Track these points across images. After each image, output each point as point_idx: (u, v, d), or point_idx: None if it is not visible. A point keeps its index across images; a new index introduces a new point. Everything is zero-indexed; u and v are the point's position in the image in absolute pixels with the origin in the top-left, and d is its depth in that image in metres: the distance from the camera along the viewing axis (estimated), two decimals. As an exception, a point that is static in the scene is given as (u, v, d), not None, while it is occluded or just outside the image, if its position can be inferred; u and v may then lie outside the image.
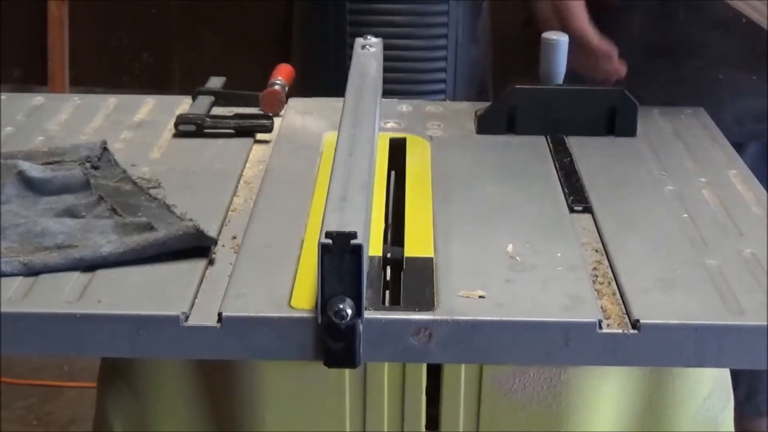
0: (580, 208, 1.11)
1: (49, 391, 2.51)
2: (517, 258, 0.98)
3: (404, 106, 1.38)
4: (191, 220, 1.01)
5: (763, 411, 1.56)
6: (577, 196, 1.13)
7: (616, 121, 1.29)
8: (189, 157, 1.21)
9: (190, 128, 1.27)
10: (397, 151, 1.23)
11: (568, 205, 1.11)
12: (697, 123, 1.35)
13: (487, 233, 1.03)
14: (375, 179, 1.09)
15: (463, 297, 0.91)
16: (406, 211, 1.08)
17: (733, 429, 1.09)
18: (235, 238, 1.02)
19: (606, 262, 1.00)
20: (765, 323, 0.89)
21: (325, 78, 2.76)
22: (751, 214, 1.10)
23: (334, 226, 0.85)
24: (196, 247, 0.97)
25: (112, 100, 1.38)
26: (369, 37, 1.35)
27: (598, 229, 1.06)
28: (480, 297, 0.90)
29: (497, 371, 0.98)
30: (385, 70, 1.33)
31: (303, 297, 0.90)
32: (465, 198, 1.11)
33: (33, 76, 3.46)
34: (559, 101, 1.30)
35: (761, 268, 0.98)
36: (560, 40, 1.30)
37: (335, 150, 1.02)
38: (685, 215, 1.09)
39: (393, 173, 1.19)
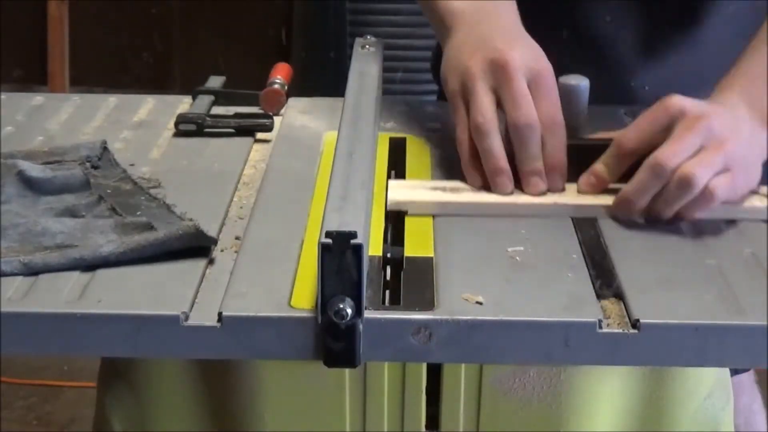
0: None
1: (49, 391, 2.51)
2: (517, 258, 0.98)
3: (404, 105, 1.37)
4: (191, 219, 1.01)
5: None
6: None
7: None
8: (189, 156, 1.21)
9: (190, 127, 1.27)
10: (397, 151, 1.23)
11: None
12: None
13: (487, 233, 1.03)
14: (375, 179, 1.09)
15: (464, 300, 0.90)
16: (406, 210, 1.08)
17: (733, 429, 1.09)
18: (236, 238, 1.02)
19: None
20: (765, 323, 0.89)
21: (325, 78, 2.76)
22: (751, 214, 1.09)
23: (334, 226, 0.85)
24: (196, 246, 0.97)
25: (112, 100, 1.38)
26: (369, 37, 1.35)
27: (598, 228, 1.06)
28: (477, 303, 0.90)
29: (497, 371, 0.98)
30: (385, 70, 1.32)
31: (303, 297, 0.90)
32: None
33: (33, 76, 3.46)
34: (581, 158, 1.10)
35: (761, 268, 0.98)
36: (581, 84, 1.19)
37: (335, 150, 1.02)
38: (685, 215, 1.08)
39: (393, 173, 1.19)
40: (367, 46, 1.33)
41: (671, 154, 1.01)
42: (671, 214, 1.03)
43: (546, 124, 1.07)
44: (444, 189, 1.09)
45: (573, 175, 1.09)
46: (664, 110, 1.05)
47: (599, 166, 1.08)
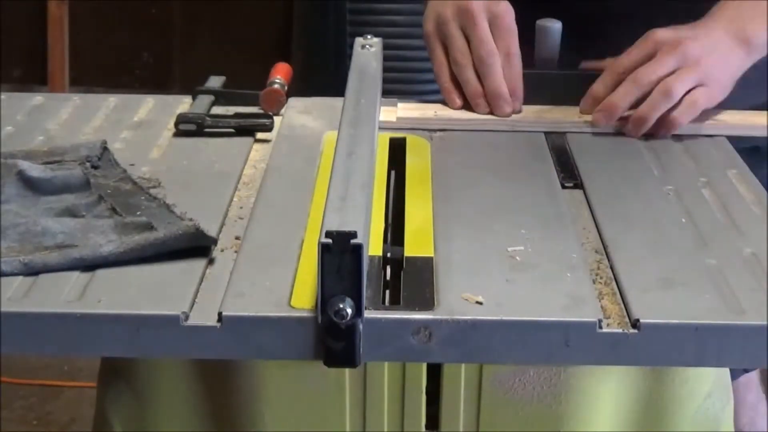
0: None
1: (49, 391, 2.51)
2: (517, 258, 0.98)
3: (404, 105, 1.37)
4: (191, 219, 1.01)
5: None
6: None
7: None
8: (189, 156, 1.21)
9: (190, 127, 1.27)
10: (397, 151, 1.23)
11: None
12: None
13: (487, 233, 1.03)
14: (375, 179, 1.09)
15: (464, 299, 0.90)
16: (406, 210, 1.08)
17: (732, 429, 1.09)
18: (236, 238, 1.02)
19: (606, 262, 0.99)
20: (765, 323, 0.89)
21: (325, 78, 2.76)
22: (751, 213, 1.10)
23: (334, 226, 0.85)
24: (196, 246, 0.97)
25: (112, 100, 1.38)
26: (369, 37, 1.35)
27: (598, 228, 1.06)
28: (477, 303, 0.90)
29: (497, 371, 0.99)
30: (385, 70, 1.33)
31: (303, 297, 0.90)
32: (465, 197, 1.11)
33: (33, 76, 3.46)
34: (556, 85, 1.35)
35: (761, 267, 0.98)
36: (554, 25, 1.39)
37: (335, 150, 1.02)
38: (685, 215, 1.09)
39: (393, 173, 1.19)
40: (367, 46, 1.33)
41: (650, 71, 1.25)
42: (655, 118, 1.25)
43: (504, 56, 1.31)
44: (434, 111, 1.34)
45: (556, 100, 1.35)
46: (648, 41, 1.27)
47: (598, 86, 1.30)
